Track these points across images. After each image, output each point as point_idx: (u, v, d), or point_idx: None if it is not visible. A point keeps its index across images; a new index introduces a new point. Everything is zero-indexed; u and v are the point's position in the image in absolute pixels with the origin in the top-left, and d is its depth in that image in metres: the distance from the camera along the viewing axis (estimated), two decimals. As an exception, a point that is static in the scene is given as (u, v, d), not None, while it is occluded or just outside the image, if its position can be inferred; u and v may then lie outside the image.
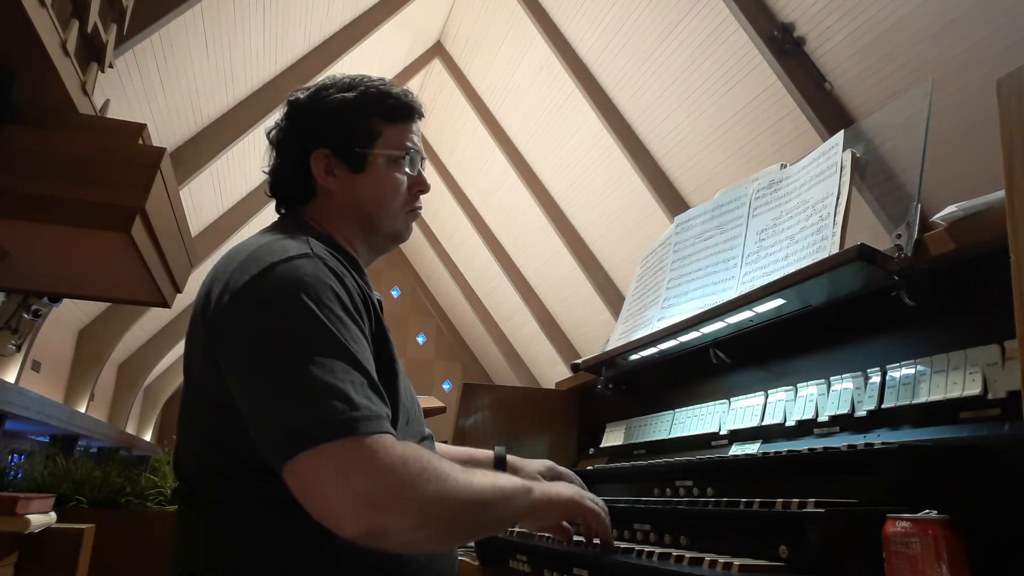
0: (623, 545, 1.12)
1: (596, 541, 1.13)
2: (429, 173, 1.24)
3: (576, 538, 1.17)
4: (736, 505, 1.02)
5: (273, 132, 1.17)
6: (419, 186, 1.18)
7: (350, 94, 1.13)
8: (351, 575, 0.95)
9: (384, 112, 1.14)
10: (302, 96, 1.16)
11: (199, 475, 1.00)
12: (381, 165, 1.13)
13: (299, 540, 0.93)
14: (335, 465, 0.82)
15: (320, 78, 1.20)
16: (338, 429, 0.83)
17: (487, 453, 1.41)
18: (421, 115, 1.19)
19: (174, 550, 1.03)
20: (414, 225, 1.23)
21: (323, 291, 0.92)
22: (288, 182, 1.15)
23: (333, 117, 1.12)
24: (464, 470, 0.92)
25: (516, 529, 1.51)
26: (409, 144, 1.16)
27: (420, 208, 1.21)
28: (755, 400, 1.43)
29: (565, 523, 1.12)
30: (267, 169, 1.17)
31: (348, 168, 1.12)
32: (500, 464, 1.39)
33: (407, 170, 1.16)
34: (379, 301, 1.08)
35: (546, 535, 1.34)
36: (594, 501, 1.11)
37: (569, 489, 1.09)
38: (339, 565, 0.94)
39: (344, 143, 1.12)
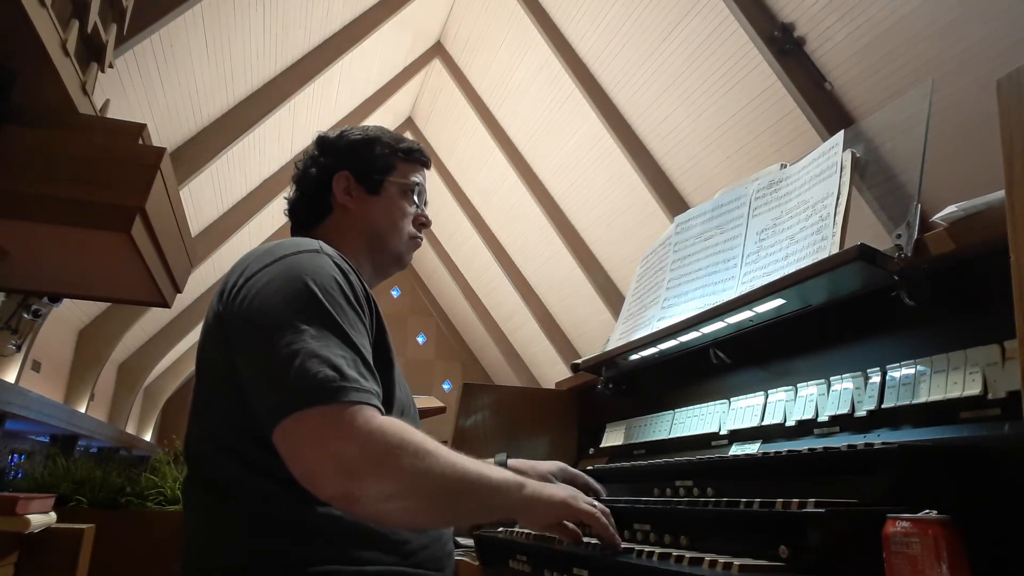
0: (623, 545, 1.12)
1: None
2: (430, 174, 1.39)
3: (588, 540, 1.16)
4: (736, 505, 1.02)
5: (300, 164, 1.34)
6: (422, 219, 1.35)
7: (371, 132, 1.34)
8: (356, 549, 0.99)
9: (398, 151, 1.34)
10: (331, 134, 1.35)
11: (215, 458, 1.03)
12: (393, 193, 1.31)
13: (309, 519, 0.97)
14: (317, 428, 0.88)
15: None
16: (325, 395, 0.88)
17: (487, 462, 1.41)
18: (427, 165, 1.39)
19: (184, 537, 1.05)
20: None
21: (327, 280, 1.01)
22: (307, 203, 1.30)
23: (356, 147, 1.32)
24: (452, 453, 0.96)
25: (520, 529, 1.51)
26: (417, 181, 1.34)
27: (421, 239, 1.37)
28: (755, 400, 1.43)
29: (572, 525, 1.11)
30: (288, 197, 1.34)
31: (365, 190, 1.29)
32: None
33: (415, 201, 1.33)
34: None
35: (550, 535, 1.34)
36: (591, 504, 1.11)
37: (563, 491, 1.10)
38: (346, 542, 0.98)
39: (364, 168, 1.30)
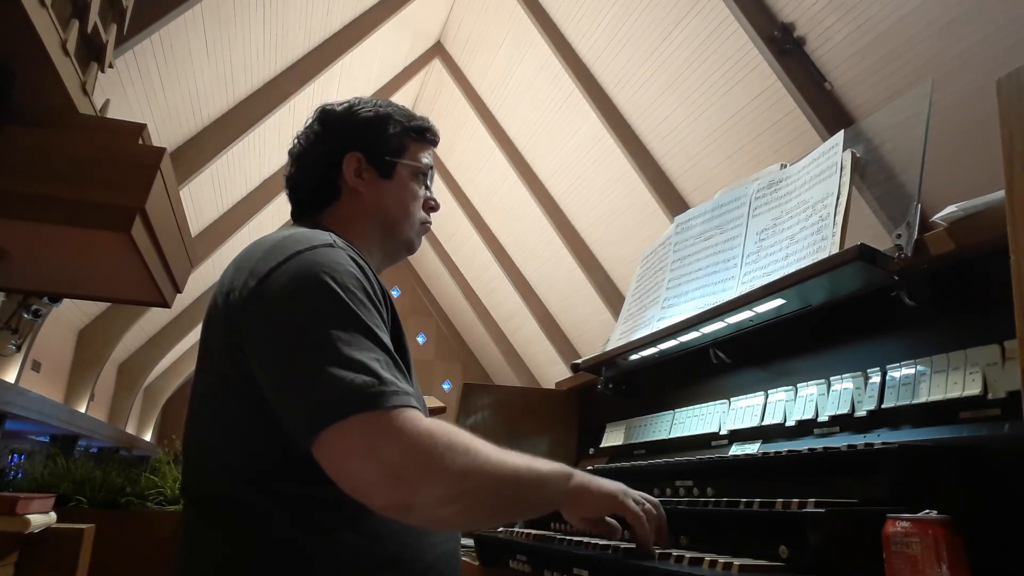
0: (623, 545, 1.12)
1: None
2: None
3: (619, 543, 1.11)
4: (736, 505, 1.01)
5: (301, 137, 1.24)
6: (432, 202, 1.29)
7: (382, 109, 1.24)
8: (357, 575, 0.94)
9: (410, 130, 1.25)
10: (338, 108, 1.24)
11: (212, 471, 0.99)
12: (405, 176, 1.23)
13: (303, 542, 0.92)
14: (363, 437, 0.83)
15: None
16: (366, 401, 0.84)
17: None
18: (437, 142, 1.31)
19: (179, 550, 1.01)
20: None
21: (347, 277, 0.95)
22: (313, 185, 1.21)
23: (368, 126, 1.21)
24: (497, 448, 0.92)
25: (524, 530, 1.51)
26: (429, 163, 1.27)
27: (431, 223, 1.30)
28: (755, 400, 1.43)
29: (613, 521, 1.05)
30: (288, 175, 1.24)
31: (377, 174, 1.20)
32: None
33: (426, 184, 1.26)
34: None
35: (551, 535, 1.34)
36: (645, 501, 1.04)
37: (613, 484, 1.03)
38: (345, 569, 0.93)
39: (376, 150, 1.20)
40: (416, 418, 0.86)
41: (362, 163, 1.19)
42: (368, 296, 0.96)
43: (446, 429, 0.88)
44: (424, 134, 1.27)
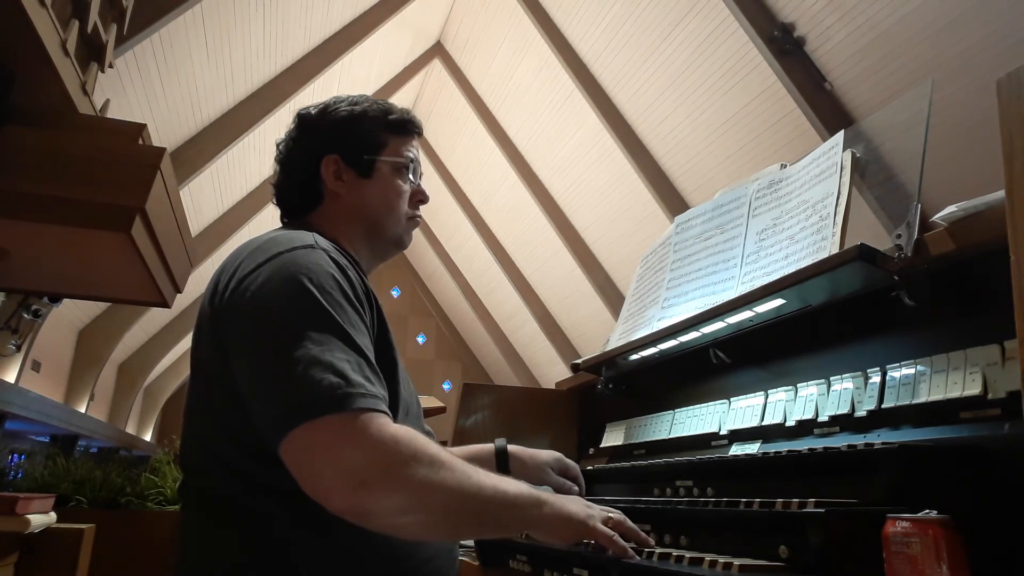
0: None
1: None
2: (429, 174, 1.31)
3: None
4: (736, 505, 1.01)
5: (282, 144, 1.24)
6: (419, 195, 1.26)
7: (357, 107, 1.22)
8: (354, 571, 0.95)
9: (388, 125, 1.23)
10: (313, 111, 1.23)
11: (207, 469, 0.99)
12: (386, 172, 1.21)
13: (303, 540, 0.93)
14: (327, 439, 0.83)
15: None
16: (333, 403, 0.84)
17: (487, 447, 1.40)
18: (420, 132, 1.28)
19: (179, 550, 1.01)
20: None
21: (324, 278, 0.95)
22: (296, 190, 1.21)
23: (343, 126, 1.20)
24: (467, 466, 0.91)
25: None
26: (411, 155, 1.25)
27: (420, 217, 1.28)
28: (755, 400, 1.43)
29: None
30: (274, 182, 1.24)
31: (356, 174, 1.19)
32: (502, 457, 1.38)
33: (410, 178, 1.24)
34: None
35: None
36: (607, 520, 1.04)
37: (581, 510, 1.03)
38: (343, 565, 0.94)
39: (353, 150, 1.19)
40: (383, 423, 0.86)
41: (340, 165, 1.18)
42: (346, 297, 0.96)
43: (413, 438, 0.87)
44: (404, 127, 1.24)
